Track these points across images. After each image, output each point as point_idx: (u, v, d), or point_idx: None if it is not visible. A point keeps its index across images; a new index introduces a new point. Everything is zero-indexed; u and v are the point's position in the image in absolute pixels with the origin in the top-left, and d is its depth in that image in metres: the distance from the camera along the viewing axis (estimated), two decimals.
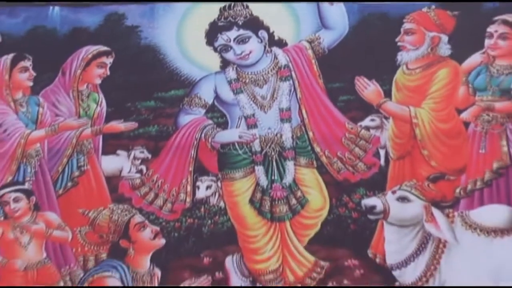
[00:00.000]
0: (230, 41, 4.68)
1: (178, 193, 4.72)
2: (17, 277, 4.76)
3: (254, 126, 4.73)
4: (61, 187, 4.86)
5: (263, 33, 4.72)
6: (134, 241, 4.58)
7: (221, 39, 4.69)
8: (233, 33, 4.68)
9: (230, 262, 4.66)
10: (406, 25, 4.67)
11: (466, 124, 4.59)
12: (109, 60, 4.85)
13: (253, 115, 4.73)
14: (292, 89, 4.73)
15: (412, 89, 4.66)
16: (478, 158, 4.57)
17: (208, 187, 4.77)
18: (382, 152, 4.69)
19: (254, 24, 4.71)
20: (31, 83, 4.90)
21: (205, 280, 4.56)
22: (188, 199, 4.71)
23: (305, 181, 4.69)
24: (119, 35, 4.88)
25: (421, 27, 4.65)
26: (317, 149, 4.69)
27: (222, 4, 4.67)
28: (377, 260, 4.57)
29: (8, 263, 4.77)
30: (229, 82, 4.76)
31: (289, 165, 4.69)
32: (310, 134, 4.70)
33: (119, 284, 4.56)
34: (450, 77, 4.63)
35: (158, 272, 4.58)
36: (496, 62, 4.58)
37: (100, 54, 4.86)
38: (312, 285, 4.45)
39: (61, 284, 4.76)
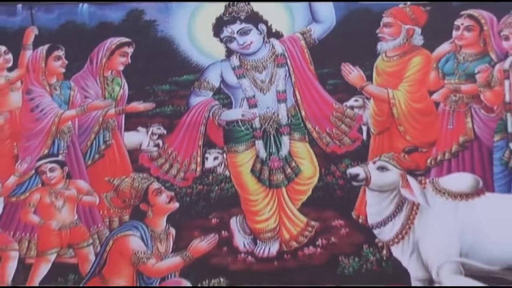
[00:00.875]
0: (233, 33, 4.77)
1: (190, 164, 4.77)
2: (53, 236, 4.82)
3: (255, 106, 4.79)
4: (90, 158, 4.93)
5: (262, 26, 4.79)
6: (152, 204, 4.64)
7: (226, 31, 4.77)
8: (236, 26, 4.76)
9: (234, 223, 4.72)
10: (385, 19, 4.73)
11: (437, 104, 4.64)
12: (130, 50, 4.92)
13: (254, 96, 4.79)
14: (287, 74, 4.78)
15: (390, 74, 4.72)
16: (446, 133, 4.62)
17: (215, 159, 4.82)
18: (364, 128, 4.74)
19: (255, 19, 4.79)
20: (63, 70, 4.98)
21: (212, 238, 4.58)
22: (198, 169, 4.77)
23: (298, 153, 4.74)
24: (139, 28, 4.95)
25: (398, 20, 4.71)
26: (309, 125, 4.74)
27: (227, 3, 4.73)
28: (360, 220, 4.60)
29: (45, 224, 4.82)
30: (233, 69, 4.82)
31: (285, 139, 4.74)
32: (303, 112, 4.74)
33: (139, 241, 4.65)
34: (423, 64, 4.69)
35: (172, 231, 4.64)
36: (462, 51, 4.64)
37: (122, 45, 4.94)
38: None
39: (90, 241, 4.83)
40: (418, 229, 4.46)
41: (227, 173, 4.79)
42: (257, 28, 4.80)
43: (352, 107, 4.75)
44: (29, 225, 4.88)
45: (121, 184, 4.72)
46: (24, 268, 4.82)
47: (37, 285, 4.77)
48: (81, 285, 4.68)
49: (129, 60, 4.95)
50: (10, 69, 5.06)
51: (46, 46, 4.99)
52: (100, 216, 4.88)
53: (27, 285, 4.78)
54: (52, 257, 4.81)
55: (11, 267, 4.81)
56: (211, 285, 4.60)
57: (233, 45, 4.81)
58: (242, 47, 4.80)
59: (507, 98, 4.53)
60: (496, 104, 4.56)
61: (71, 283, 4.75)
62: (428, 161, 4.62)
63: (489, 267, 4.35)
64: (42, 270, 4.80)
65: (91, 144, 4.93)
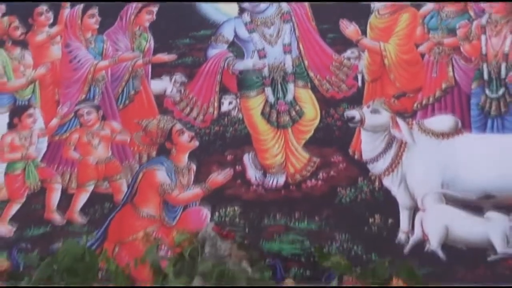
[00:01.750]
0: None
1: (208, 108, 4.80)
2: (90, 170, 4.89)
3: (264, 57, 4.78)
4: (121, 103, 4.95)
5: None
6: (176, 143, 4.73)
7: None
8: None
9: (247, 159, 4.72)
10: None
11: (422, 55, 4.62)
12: (155, 9, 4.93)
13: (263, 49, 4.79)
14: (292, 29, 4.77)
15: (382, 29, 4.70)
16: (431, 80, 4.60)
17: (230, 103, 4.80)
18: (359, 77, 4.70)
19: None
20: (97, 26, 5.02)
21: (228, 172, 4.66)
22: (215, 112, 4.79)
23: (302, 98, 4.74)
24: None
25: None
26: (311, 74, 4.73)
27: None
28: (356, 156, 4.60)
29: (83, 160, 4.91)
30: (245, 24, 4.83)
31: (290, 86, 4.74)
32: (306, 63, 4.73)
33: (165, 174, 4.71)
34: (410, 20, 4.66)
35: (193, 166, 4.73)
36: (445, 9, 4.61)
37: (148, 4, 4.94)
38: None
39: (123, 174, 4.86)
40: (406, 164, 4.52)
41: (240, 116, 4.77)
42: None
43: (349, 58, 4.72)
44: (70, 161, 4.94)
45: (148, 125, 4.80)
46: (66, 198, 4.88)
47: (78, 211, 4.83)
48: (113, 213, 4.77)
49: (154, 17, 4.95)
50: (50, 26, 5.11)
51: (81, 5, 5.02)
52: (131, 152, 4.88)
53: (68, 213, 4.84)
54: (90, 188, 4.87)
55: (55, 197, 4.88)
56: (226, 212, 4.62)
57: (245, 4, 4.82)
58: (253, 5, 4.81)
59: (484, 51, 4.51)
60: (474, 56, 4.54)
61: (107, 210, 4.79)
62: (415, 105, 4.58)
63: (466, 197, 4.40)
64: (81, 200, 4.86)
65: (122, 90, 4.94)
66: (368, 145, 4.58)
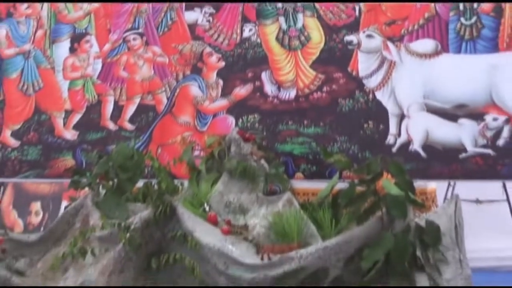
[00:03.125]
0: None
1: (232, 34, 4.76)
2: (137, 85, 4.89)
3: None
4: (161, 31, 4.90)
5: None
6: (206, 63, 4.72)
7: None
8: None
9: (264, 75, 4.69)
10: None
11: None
12: None
13: None
14: None
15: None
16: (416, 11, 4.56)
17: (250, 30, 4.76)
18: (357, 8, 4.64)
19: None
20: None
21: (249, 86, 4.66)
22: (238, 38, 4.75)
23: (309, 26, 4.69)
24: None
25: None
26: (317, 6, 4.69)
27: None
28: (353, 73, 4.59)
29: (131, 77, 4.91)
30: None
31: (299, 16, 4.69)
32: None
33: (197, 89, 4.73)
34: None
35: (220, 82, 4.72)
36: None
37: None
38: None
39: (163, 89, 4.85)
40: (394, 80, 4.53)
41: (258, 40, 4.73)
42: None
43: None
44: (120, 78, 4.94)
45: (183, 49, 4.79)
46: (117, 109, 4.90)
47: (127, 119, 4.87)
48: (156, 121, 4.81)
49: None
50: None
51: None
52: (169, 71, 4.86)
53: (120, 121, 4.89)
54: (137, 101, 4.88)
55: (109, 108, 4.90)
56: (248, 119, 4.63)
57: None
58: None
59: None
60: None
61: (151, 118, 4.82)
62: (402, 31, 4.56)
63: (444, 106, 4.43)
64: (130, 110, 4.88)
65: (161, 20, 4.89)
66: (363, 64, 4.57)
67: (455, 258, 3.72)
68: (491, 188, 6.03)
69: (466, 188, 5.78)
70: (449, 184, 5.86)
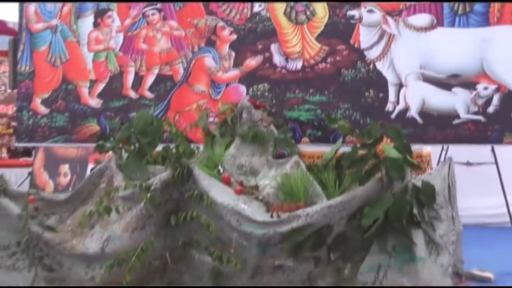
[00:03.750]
0: None
1: (243, 9, 4.69)
2: (155, 57, 4.84)
3: None
4: (177, 6, 4.81)
5: None
6: (219, 36, 4.68)
7: None
8: None
9: (273, 47, 4.63)
10: None
11: None
12: None
13: None
14: None
15: None
16: None
17: (260, 5, 4.67)
18: None
19: None
20: None
21: (259, 58, 4.60)
22: (248, 12, 4.68)
23: (314, 3, 4.60)
24: None
25: None
26: None
27: None
28: (355, 45, 4.52)
29: (150, 49, 4.86)
30: None
31: None
32: None
33: (212, 60, 4.70)
34: None
35: (233, 53, 4.66)
36: None
37: None
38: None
39: (180, 60, 4.81)
40: (393, 51, 4.47)
41: (268, 15, 4.66)
42: None
43: None
44: (140, 51, 4.89)
45: (198, 23, 4.74)
46: (138, 79, 4.87)
47: (147, 88, 4.84)
48: (173, 90, 4.79)
49: None
50: None
51: None
52: (186, 44, 4.81)
53: (140, 90, 4.86)
54: (156, 71, 4.84)
55: (130, 78, 4.87)
56: (258, 88, 4.60)
57: None
58: None
59: None
60: None
61: (168, 87, 4.79)
62: (401, 6, 4.48)
63: (439, 75, 4.38)
64: (149, 80, 4.84)
65: None
66: (365, 37, 4.51)
67: (448, 215, 3.73)
68: (481, 152, 6.02)
69: (458, 152, 5.77)
70: (442, 148, 5.85)
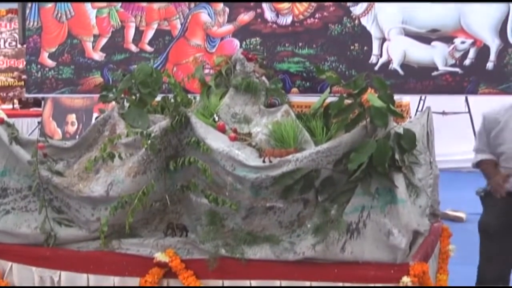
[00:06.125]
0: None
1: None
2: (154, 12, 4.70)
3: None
4: None
5: None
6: None
7: None
8: None
9: (264, 4, 4.46)
10: None
11: None
12: None
13: None
14: None
15: None
16: None
17: None
18: None
19: None
20: None
21: (251, 13, 4.44)
22: None
23: None
24: None
25: None
26: None
27: None
28: (341, 2, 4.36)
29: (149, 6, 4.70)
30: None
31: None
32: None
33: (207, 16, 4.57)
34: None
35: (227, 9, 4.50)
36: None
37: None
38: None
39: (177, 16, 4.68)
40: (377, 7, 4.32)
41: None
42: None
43: None
44: (140, 7, 4.76)
45: None
46: (138, 33, 4.76)
47: (147, 42, 4.73)
48: (171, 43, 4.68)
49: None
50: None
51: None
52: None
53: (140, 44, 4.75)
54: (155, 26, 4.70)
55: (131, 32, 4.76)
56: (251, 42, 4.50)
57: None
58: None
59: None
60: None
61: (167, 41, 4.68)
62: None
63: (419, 30, 4.27)
64: (149, 34, 4.71)
65: None
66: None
67: (426, 160, 3.71)
68: (455, 102, 6.01)
69: (434, 102, 5.73)
70: (420, 98, 5.83)
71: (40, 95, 5.93)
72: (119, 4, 4.79)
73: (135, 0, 4.74)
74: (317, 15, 4.41)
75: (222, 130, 3.58)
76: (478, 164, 4.49)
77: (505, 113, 4.36)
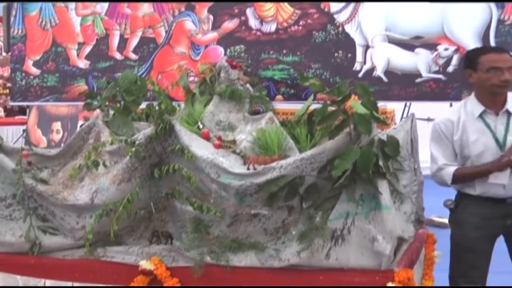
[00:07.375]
0: None
1: None
2: (139, 20, 4.70)
3: None
4: None
5: None
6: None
7: None
8: None
9: (249, 11, 4.52)
10: None
11: None
12: None
13: None
14: None
15: None
16: None
17: None
18: None
19: None
20: None
21: (235, 21, 4.47)
22: None
23: None
24: None
25: None
26: None
27: None
28: (325, 9, 4.39)
29: (134, 13, 4.72)
30: None
31: None
32: None
33: (191, 24, 4.57)
34: None
35: (211, 17, 4.53)
36: None
37: None
38: None
39: (162, 24, 4.67)
40: (361, 14, 4.34)
41: None
42: None
43: None
44: (125, 15, 4.77)
45: None
46: (123, 41, 4.77)
47: (131, 50, 4.73)
48: (156, 51, 4.67)
49: None
50: None
51: None
52: (167, 8, 4.69)
53: (125, 51, 4.75)
54: (139, 34, 4.73)
55: (115, 40, 4.78)
56: (235, 49, 4.50)
57: None
58: None
59: None
60: None
61: (151, 49, 4.70)
62: None
63: (402, 37, 4.31)
64: (133, 42, 4.73)
65: None
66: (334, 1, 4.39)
67: (410, 167, 3.72)
68: (440, 108, 6.02)
69: (419, 108, 5.76)
70: (405, 105, 5.85)
71: (25, 103, 5.89)
72: (104, 12, 4.79)
73: (124, 0, 4.73)
74: (301, 23, 4.42)
75: (207, 137, 3.57)
76: (455, 177, 3.83)
77: (457, 113, 3.95)
